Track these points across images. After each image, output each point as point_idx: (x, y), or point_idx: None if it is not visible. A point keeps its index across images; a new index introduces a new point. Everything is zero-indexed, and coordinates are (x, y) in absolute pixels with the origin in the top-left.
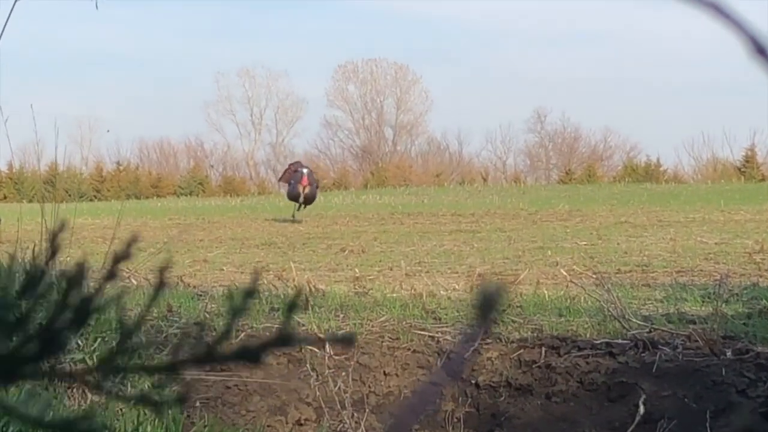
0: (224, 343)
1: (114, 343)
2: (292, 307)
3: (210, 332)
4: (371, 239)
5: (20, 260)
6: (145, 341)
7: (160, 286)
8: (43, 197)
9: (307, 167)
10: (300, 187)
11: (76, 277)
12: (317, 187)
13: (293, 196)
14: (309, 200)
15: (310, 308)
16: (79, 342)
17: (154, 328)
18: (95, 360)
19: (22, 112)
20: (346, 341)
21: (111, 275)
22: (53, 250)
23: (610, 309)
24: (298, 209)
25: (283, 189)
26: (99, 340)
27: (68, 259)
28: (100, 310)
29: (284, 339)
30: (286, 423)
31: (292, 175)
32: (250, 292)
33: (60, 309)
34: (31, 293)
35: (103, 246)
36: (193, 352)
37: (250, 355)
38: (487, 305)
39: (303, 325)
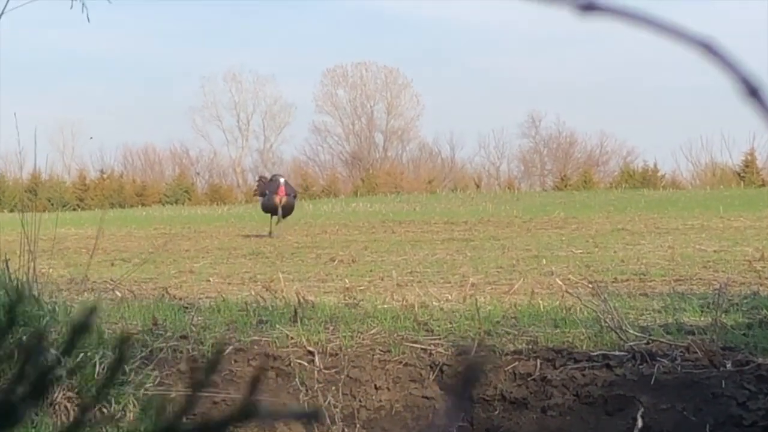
0: (186, 414)
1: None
2: (255, 381)
3: (197, 347)
4: (361, 248)
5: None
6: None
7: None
8: (24, 206)
9: (282, 176)
10: (276, 198)
11: (34, 347)
12: (295, 197)
13: (269, 208)
14: (287, 211)
15: (299, 321)
16: (61, 358)
17: (139, 343)
18: (77, 375)
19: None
20: (311, 417)
21: (69, 348)
22: (10, 320)
23: (607, 320)
24: (277, 222)
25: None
26: (82, 355)
27: (51, 270)
28: (58, 380)
29: (248, 412)
30: None
31: (267, 185)
32: (213, 366)
33: (17, 381)
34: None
35: (86, 257)
36: (154, 427)
37: (213, 430)
38: (469, 379)
39: (292, 339)
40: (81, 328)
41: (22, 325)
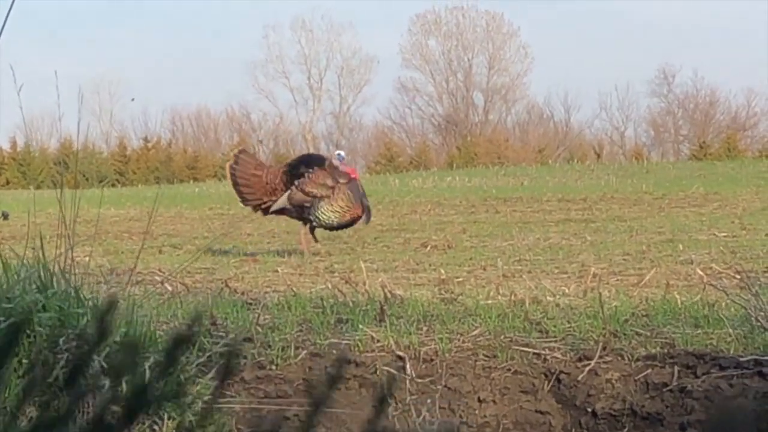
0: None
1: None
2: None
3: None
4: (459, 232)
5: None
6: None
7: None
8: (57, 182)
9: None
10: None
11: (127, 364)
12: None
13: (348, 220)
14: (369, 214)
15: (385, 320)
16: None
17: (195, 347)
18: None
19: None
20: None
21: (168, 363)
22: (101, 333)
23: (759, 318)
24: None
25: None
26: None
27: (88, 259)
28: (156, 402)
29: None
30: None
31: (323, 174)
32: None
33: (109, 402)
34: (75, 384)
35: (129, 243)
36: None
37: None
38: None
39: (377, 341)
40: (182, 340)
41: (59, 325)
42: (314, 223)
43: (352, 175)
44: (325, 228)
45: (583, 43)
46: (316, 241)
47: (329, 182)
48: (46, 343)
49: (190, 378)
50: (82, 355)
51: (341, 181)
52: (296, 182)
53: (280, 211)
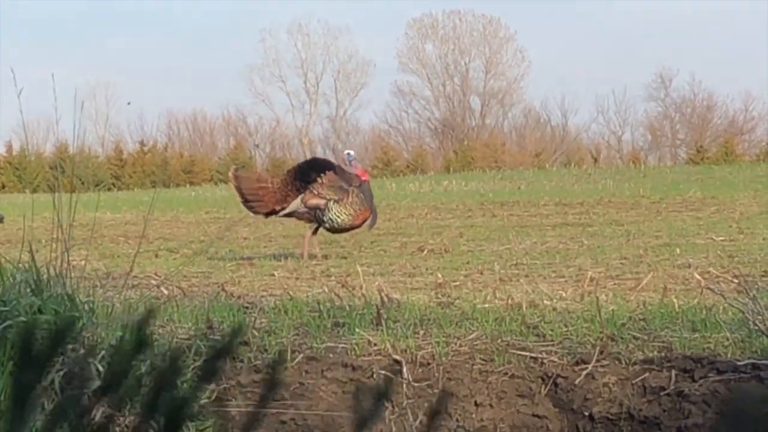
0: None
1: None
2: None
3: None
4: (456, 236)
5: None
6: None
7: None
8: (51, 186)
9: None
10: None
11: (168, 374)
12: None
13: (359, 222)
14: (375, 218)
15: (382, 323)
16: (100, 368)
17: (191, 350)
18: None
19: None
20: None
21: (210, 374)
22: (140, 341)
23: (757, 322)
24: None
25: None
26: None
27: (83, 263)
28: (195, 415)
29: None
30: None
31: (333, 178)
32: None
33: (148, 413)
34: (114, 392)
35: (125, 246)
36: None
37: None
38: None
39: (374, 345)
40: (224, 351)
41: (53, 330)
42: (326, 225)
43: (363, 177)
44: (336, 230)
45: (580, 47)
46: (316, 245)
47: (343, 185)
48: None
49: (187, 381)
50: (119, 363)
51: (353, 184)
52: (310, 186)
53: (290, 215)
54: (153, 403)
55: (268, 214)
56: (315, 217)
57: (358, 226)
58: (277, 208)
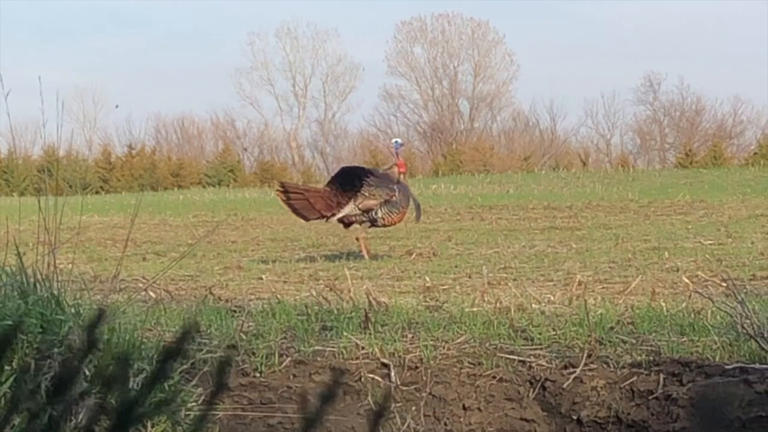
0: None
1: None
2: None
3: (248, 358)
4: (444, 239)
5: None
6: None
7: None
8: (39, 189)
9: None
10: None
11: (117, 376)
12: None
13: (399, 211)
14: (419, 210)
15: (370, 327)
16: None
17: (178, 354)
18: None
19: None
20: None
21: (159, 376)
22: (90, 344)
23: (745, 325)
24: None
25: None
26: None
27: (71, 266)
28: (147, 415)
29: None
30: None
31: (381, 178)
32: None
33: (98, 414)
34: (63, 395)
35: (113, 250)
36: None
37: None
38: None
39: (362, 349)
40: (174, 353)
41: (40, 332)
42: (378, 223)
43: (401, 169)
44: (385, 226)
45: (569, 50)
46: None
47: (391, 185)
48: (28, 349)
49: (174, 385)
50: (70, 365)
51: (393, 182)
52: (361, 190)
53: (342, 218)
54: (102, 404)
55: (317, 219)
56: (368, 218)
57: (401, 221)
58: (327, 213)
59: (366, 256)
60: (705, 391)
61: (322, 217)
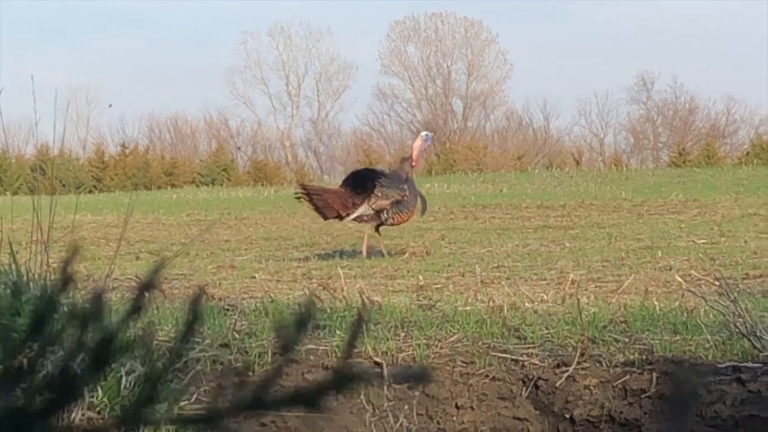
0: (271, 386)
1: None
2: (353, 337)
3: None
4: (437, 238)
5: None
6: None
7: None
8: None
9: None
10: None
11: (93, 311)
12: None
13: (409, 210)
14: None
15: (363, 326)
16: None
17: (171, 352)
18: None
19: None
20: (417, 378)
21: (136, 308)
22: (65, 280)
23: (738, 324)
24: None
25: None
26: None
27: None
28: (123, 349)
29: (344, 379)
30: None
31: (394, 174)
32: (305, 321)
33: (75, 351)
34: (40, 333)
35: (106, 248)
36: (237, 398)
37: (306, 399)
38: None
39: (355, 347)
40: (148, 285)
41: (33, 330)
42: (389, 222)
43: (413, 163)
44: (395, 225)
45: (563, 50)
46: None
47: (402, 185)
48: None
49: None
50: (45, 303)
51: (404, 183)
52: (376, 191)
53: (357, 218)
54: (80, 340)
55: (335, 218)
56: (379, 217)
57: (408, 220)
58: (342, 213)
59: (385, 253)
60: (698, 389)
61: (339, 216)
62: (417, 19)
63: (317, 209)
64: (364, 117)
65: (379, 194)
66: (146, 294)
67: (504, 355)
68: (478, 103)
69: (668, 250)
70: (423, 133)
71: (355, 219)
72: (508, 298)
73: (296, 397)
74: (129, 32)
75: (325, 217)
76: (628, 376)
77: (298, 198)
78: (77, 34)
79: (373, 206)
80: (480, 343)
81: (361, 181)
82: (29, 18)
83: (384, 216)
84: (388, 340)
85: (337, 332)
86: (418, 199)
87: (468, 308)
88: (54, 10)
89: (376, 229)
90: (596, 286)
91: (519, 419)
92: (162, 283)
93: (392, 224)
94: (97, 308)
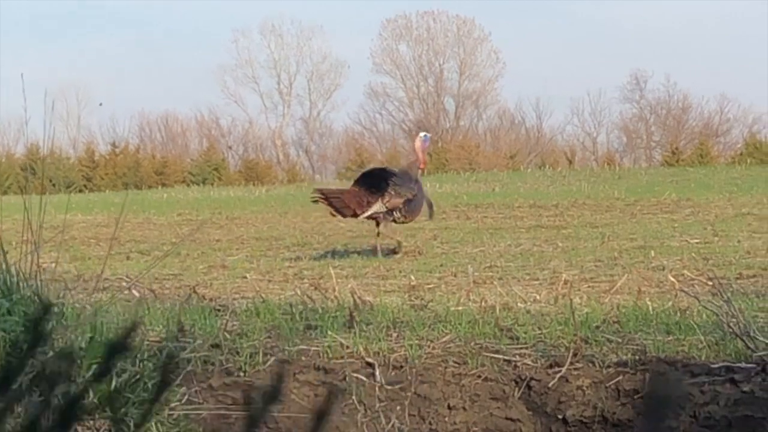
0: None
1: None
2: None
3: (232, 357)
4: (429, 238)
5: None
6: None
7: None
8: (22, 188)
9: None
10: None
11: (61, 371)
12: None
13: (416, 209)
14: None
15: (355, 326)
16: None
17: (163, 353)
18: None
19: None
20: None
21: (104, 372)
22: (36, 338)
23: (731, 324)
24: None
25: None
26: (95, 366)
27: (54, 265)
28: (89, 411)
29: None
30: None
31: (406, 174)
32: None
33: (41, 410)
34: (4, 392)
35: (96, 248)
36: None
37: None
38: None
39: (347, 348)
40: (118, 348)
41: (23, 330)
42: (399, 220)
43: (422, 165)
44: (405, 222)
45: (555, 48)
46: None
47: (411, 185)
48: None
49: (155, 385)
50: (15, 360)
51: (413, 183)
52: (390, 189)
53: (370, 216)
54: (47, 399)
55: (351, 216)
56: (391, 215)
57: (413, 219)
58: (358, 211)
59: (379, 254)
60: (691, 390)
61: (354, 215)
62: (409, 17)
63: (336, 210)
64: (355, 116)
65: (393, 192)
66: (117, 357)
67: (496, 356)
68: (471, 102)
69: (661, 250)
70: (421, 134)
71: (368, 217)
72: (500, 298)
73: None
74: (119, 31)
75: (343, 216)
76: (621, 377)
77: (315, 202)
78: (67, 33)
79: (387, 204)
80: (472, 344)
81: (375, 180)
82: (19, 18)
83: (396, 214)
84: (380, 340)
85: (329, 333)
86: (425, 201)
87: (460, 308)
88: (43, 10)
89: (378, 227)
90: (589, 286)
91: (511, 420)
92: (153, 284)
93: (402, 222)
94: (65, 368)
